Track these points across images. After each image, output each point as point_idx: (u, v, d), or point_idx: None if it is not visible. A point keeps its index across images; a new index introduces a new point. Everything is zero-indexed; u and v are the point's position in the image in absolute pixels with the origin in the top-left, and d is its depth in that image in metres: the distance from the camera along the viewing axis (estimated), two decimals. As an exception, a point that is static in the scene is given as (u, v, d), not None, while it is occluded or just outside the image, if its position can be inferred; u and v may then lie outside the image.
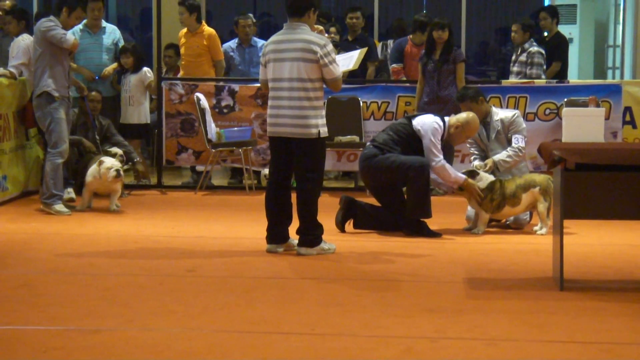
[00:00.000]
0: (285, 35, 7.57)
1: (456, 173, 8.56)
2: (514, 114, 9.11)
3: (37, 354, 4.88)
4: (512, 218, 8.90)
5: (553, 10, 12.52)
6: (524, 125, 9.14)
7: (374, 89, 11.61)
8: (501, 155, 8.93)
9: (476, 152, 9.18)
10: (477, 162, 9.01)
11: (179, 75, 12.13)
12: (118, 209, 9.71)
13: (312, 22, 7.62)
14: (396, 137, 8.63)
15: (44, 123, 9.53)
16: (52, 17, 9.41)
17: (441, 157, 8.50)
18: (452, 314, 5.76)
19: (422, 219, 8.49)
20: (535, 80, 11.46)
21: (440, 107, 10.62)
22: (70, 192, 10.25)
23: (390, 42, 12.68)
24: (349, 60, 8.21)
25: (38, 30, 9.42)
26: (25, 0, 14.87)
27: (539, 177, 8.66)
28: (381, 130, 8.97)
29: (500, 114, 9.11)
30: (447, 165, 8.54)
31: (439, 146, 8.53)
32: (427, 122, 8.60)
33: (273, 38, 7.67)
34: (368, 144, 8.90)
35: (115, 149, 10.36)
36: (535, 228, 8.66)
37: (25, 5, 13.54)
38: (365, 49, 8.70)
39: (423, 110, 10.85)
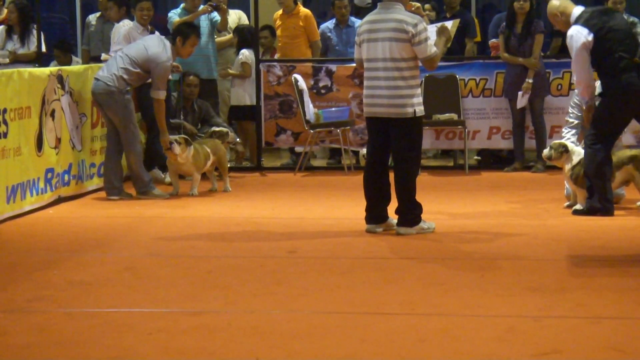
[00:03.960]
0: (378, 15, 7.53)
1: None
2: None
3: (141, 336, 4.96)
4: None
5: None
6: None
7: (472, 65, 11.48)
8: None
9: (573, 120, 8.85)
10: (569, 137, 8.67)
11: (275, 57, 12.18)
12: (194, 194, 9.57)
13: (406, 0, 7.58)
14: None
15: (120, 113, 9.31)
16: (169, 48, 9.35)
17: None
18: (555, 292, 5.69)
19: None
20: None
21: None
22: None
23: None
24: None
25: (145, 49, 9.31)
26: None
27: (631, 153, 8.51)
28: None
29: None
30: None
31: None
32: None
33: (367, 18, 7.65)
34: None
35: (222, 128, 10.37)
36: (639, 203, 8.49)
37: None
38: (457, 21, 8.54)
39: (510, 87, 10.80)
